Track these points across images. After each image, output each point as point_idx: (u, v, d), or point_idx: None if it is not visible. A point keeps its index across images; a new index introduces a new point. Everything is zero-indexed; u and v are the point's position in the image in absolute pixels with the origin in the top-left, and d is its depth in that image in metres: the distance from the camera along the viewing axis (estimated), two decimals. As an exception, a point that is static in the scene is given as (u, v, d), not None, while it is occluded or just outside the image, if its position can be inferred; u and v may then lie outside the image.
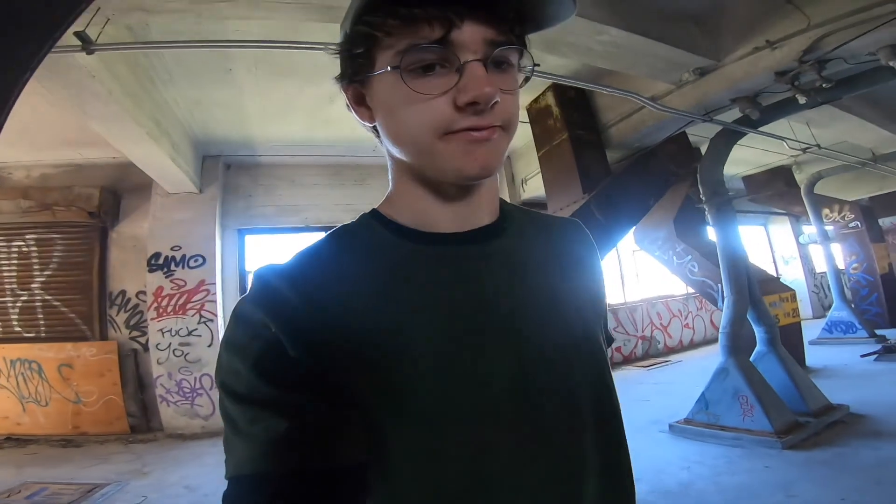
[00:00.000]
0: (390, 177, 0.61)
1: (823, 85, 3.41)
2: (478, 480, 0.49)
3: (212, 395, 5.34)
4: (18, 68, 0.98)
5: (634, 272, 9.47)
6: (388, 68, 0.50)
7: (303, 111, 5.02)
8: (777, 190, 8.21)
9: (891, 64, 3.26)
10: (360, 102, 0.58)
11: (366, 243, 0.57)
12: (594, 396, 0.59)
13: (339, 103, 4.06)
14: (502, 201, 0.66)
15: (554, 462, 0.53)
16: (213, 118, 5.02)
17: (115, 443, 5.01)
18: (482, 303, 0.55)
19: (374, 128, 0.59)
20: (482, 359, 0.52)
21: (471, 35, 0.48)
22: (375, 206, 0.62)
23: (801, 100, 3.53)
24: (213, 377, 0.54)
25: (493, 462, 0.50)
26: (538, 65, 0.56)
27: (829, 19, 3.23)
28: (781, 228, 11.82)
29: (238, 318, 0.51)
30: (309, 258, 0.55)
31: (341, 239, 0.58)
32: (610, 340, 0.72)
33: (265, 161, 6.22)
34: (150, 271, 5.35)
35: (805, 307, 11.26)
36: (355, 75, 0.55)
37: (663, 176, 4.92)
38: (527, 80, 0.56)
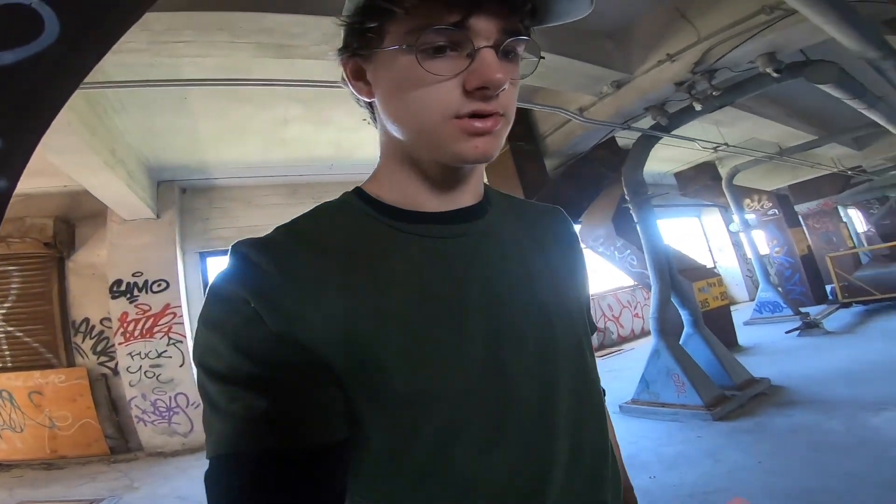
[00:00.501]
0: (380, 154, 0.61)
1: (713, 92, 3.89)
2: (445, 462, 0.50)
3: (189, 413, 5.39)
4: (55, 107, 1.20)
5: (584, 269, 9.94)
6: (403, 46, 0.49)
7: (258, 134, 5.18)
8: (704, 184, 8.89)
9: (767, 70, 3.79)
10: (358, 77, 0.57)
11: (346, 220, 0.57)
12: (571, 380, 0.59)
13: (293, 125, 4.34)
14: (486, 185, 0.66)
15: (522, 447, 0.53)
16: (167, 144, 5.11)
17: (98, 463, 5.05)
18: (459, 282, 0.55)
19: (369, 104, 0.59)
20: (457, 339, 0.52)
21: (486, 22, 0.48)
22: (359, 185, 0.62)
23: (697, 107, 4.02)
24: (191, 357, 0.55)
25: (462, 444, 0.50)
26: (543, 57, 0.56)
27: (714, 32, 3.66)
28: (714, 219, 12.47)
29: (215, 295, 0.50)
30: (287, 232, 0.54)
31: (322, 215, 0.58)
32: (592, 328, 0.72)
33: (220, 184, 6.29)
34: (114, 298, 5.37)
35: (741, 291, 12.05)
36: (361, 49, 0.54)
37: (595, 179, 5.40)
38: (532, 70, 0.56)
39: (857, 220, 15.22)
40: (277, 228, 0.55)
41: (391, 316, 0.50)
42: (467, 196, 0.60)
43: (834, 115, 6.86)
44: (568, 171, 5.45)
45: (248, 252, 0.51)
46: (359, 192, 0.60)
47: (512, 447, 0.52)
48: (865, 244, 12.47)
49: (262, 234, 0.54)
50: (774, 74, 3.79)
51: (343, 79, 0.58)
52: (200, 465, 5.16)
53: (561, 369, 0.58)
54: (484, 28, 0.48)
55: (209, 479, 0.46)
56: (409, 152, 0.56)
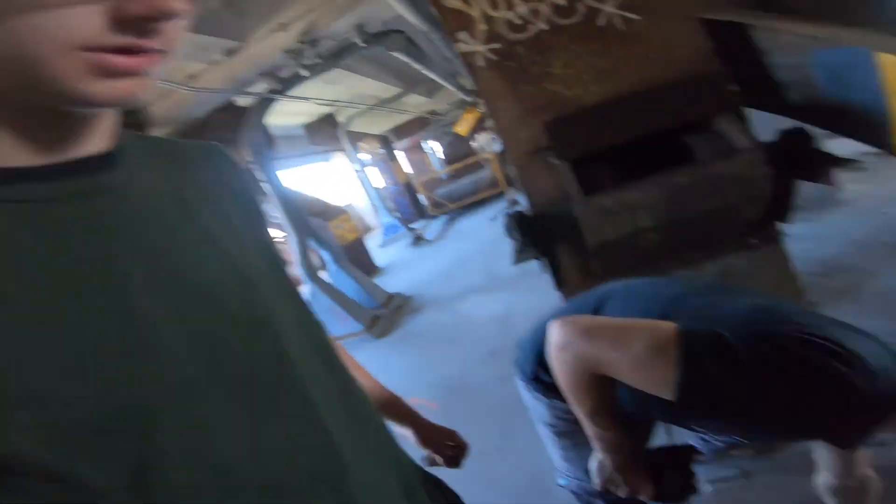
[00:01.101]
0: None
1: (318, 60, 4.33)
2: (207, 467, 0.39)
3: None
4: None
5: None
6: None
7: None
8: (328, 133, 9.78)
9: (356, 41, 4.41)
10: None
11: None
12: (295, 328, 0.52)
13: None
14: (122, 128, 0.47)
15: (287, 417, 0.46)
16: None
17: None
18: (106, 257, 0.39)
19: None
20: (134, 325, 0.38)
21: None
22: None
23: (304, 73, 4.40)
24: None
25: (220, 441, 0.41)
26: None
27: (319, 4, 3.89)
28: (343, 161, 13.69)
29: None
30: None
31: None
32: (284, 262, 0.65)
33: None
34: None
35: (375, 220, 14.28)
36: None
37: (221, 143, 5.20)
38: None
39: (438, 151, 19.81)
40: None
41: (16, 331, 0.33)
42: (89, 142, 0.42)
43: (412, 72, 8.57)
44: (185, 137, 5.02)
45: None
46: None
47: (282, 420, 0.45)
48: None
49: None
50: (362, 44, 4.46)
51: None
52: None
53: (277, 321, 0.50)
54: None
55: None
56: None
